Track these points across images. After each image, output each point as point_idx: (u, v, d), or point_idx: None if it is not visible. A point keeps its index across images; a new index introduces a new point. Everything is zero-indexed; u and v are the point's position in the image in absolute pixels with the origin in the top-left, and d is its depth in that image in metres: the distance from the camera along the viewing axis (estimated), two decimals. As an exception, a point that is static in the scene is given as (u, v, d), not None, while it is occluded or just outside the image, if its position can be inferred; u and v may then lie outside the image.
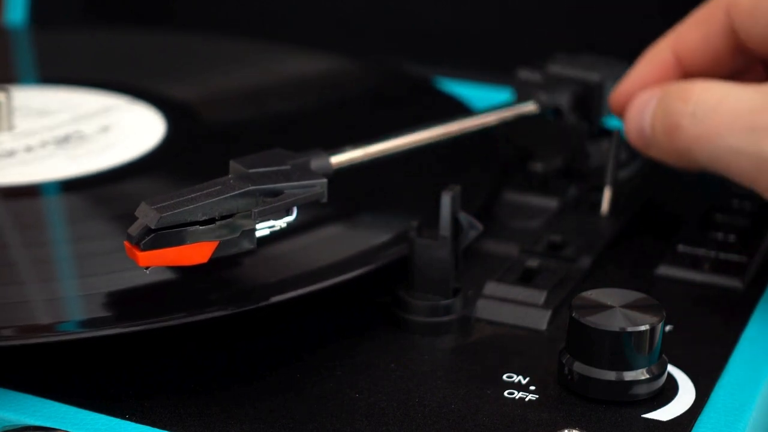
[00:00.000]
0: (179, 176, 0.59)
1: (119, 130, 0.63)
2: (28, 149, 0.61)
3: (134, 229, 0.45)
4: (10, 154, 0.60)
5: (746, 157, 0.51)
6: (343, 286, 0.50)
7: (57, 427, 0.45)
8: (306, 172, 0.49)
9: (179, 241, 0.45)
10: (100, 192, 0.57)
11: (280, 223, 0.48)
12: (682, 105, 0.53)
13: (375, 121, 0.66)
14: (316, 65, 0.73)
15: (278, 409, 0.46)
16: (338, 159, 0.52)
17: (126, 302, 0.47)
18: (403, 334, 0.50)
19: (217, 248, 0.46)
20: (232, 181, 0.47)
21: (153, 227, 0.44)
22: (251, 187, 0.46)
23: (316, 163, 0.50)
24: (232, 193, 0.46)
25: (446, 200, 0.50)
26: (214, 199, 0.45)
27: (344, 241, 0.53)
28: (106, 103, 0.67)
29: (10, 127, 0.63)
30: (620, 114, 0.59)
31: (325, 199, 0.49)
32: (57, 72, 0.71)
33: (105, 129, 0.63)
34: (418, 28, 0.79)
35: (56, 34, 0.79)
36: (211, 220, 0.46)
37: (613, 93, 0.59)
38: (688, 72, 0.58)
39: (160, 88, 0.68)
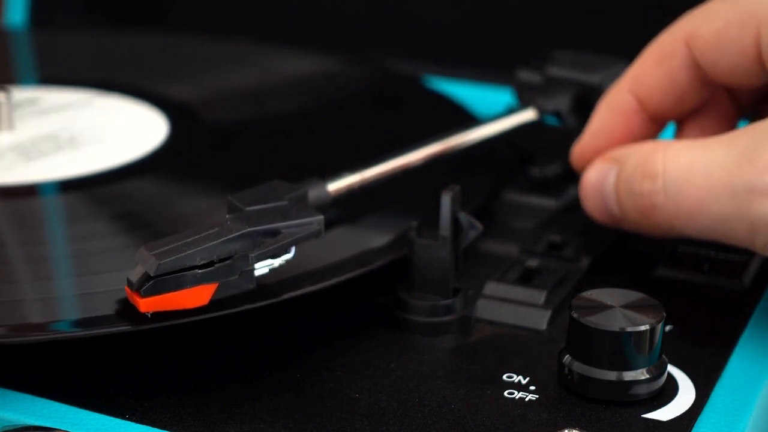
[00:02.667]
0: (180, 176, 0.59)
1: (119, 130, 0.63)
2: (28, 149, 0.61)
3: (134, 276, 0.45)
4: (9, 153, 0.60)
5: (737, 222, 0.47)
6: (343, 287, 0.50)
7: (57, 427, 0.45)
8: (303, 208, 0.49)
9: (179, 285, 0.45)
10: (100, 192, 0.57)
11: (279, 261, 0.48)
12: (649, 183, 0.50)
13: (374, 121, 0.66)
14: (315, 65, 0.73)
15: (278, 409, 0.46)
16: (336, 187, 0.52)
17: (125, 302, 0.47)
18: (403, 334, 0.50)
19: (217, 290, 0.46)
20: (229, 222, 0.47)
21: (152, 274, 0.45)
22: (248, 229, 0.47)
23: (313, 194, 0.51)
24: (229, 236, 0.46)
25: (446, 200, 0.50)
26: (211, 243, 0.46)
27: (344, 241, 0.53)
28: (106, 103, 0.67)
29: (11, 127, 0.63)
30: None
31: (322, 236, 0.49)
32: (57, 72, 0.71)
33: (105, 129, 0.63)
34: (418, 27, 0.79)
35: (56, 34, 0.79)
36: (210, 263, 0.46)
37: (575, 148, 0.56)
38: (651, 113, 0.55)
39: (160, 88, 0.68)
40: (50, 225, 0.55)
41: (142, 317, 0.46)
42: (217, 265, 0.46)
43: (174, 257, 0.45)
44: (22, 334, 0.46)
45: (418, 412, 0.45)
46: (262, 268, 0.48)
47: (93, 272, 0.50)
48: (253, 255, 0.47)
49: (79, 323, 0.47)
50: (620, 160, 0.52)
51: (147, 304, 0.45)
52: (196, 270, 0.46)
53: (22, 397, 0.46)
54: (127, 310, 0.47)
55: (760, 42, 0.51)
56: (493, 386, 0.47)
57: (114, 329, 0.46)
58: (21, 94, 0.67)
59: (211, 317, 0.47)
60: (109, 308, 0.47)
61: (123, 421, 0.45)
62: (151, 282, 0.45)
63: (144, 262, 0.45)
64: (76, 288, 0.49)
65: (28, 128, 0.63)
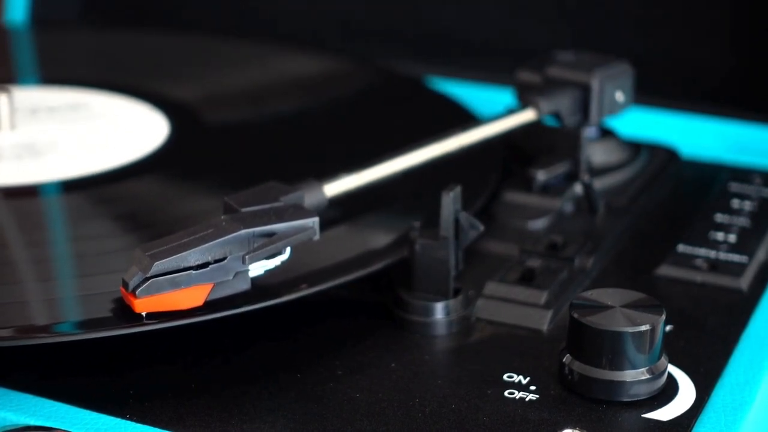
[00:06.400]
0: (181, 176, 0.59)
1: (120, 130, 0.63)
2: (28, 149, 0.61)
3: (129, 276, 0.46)
4: (10, 153, 0.60)
5: None
6: (344, 288, 0.50)
7: (57, 427, 0.45)
8: (298, 210, 0.49)
9: (174, 286, 0.46)
10: (102, 192, 0.57)
11: (274, 262, 0.48)
12: None
13: (374, 121, 0.66)
14: (316, 65, 0.73)
15: (278, 409, 0.46)
16: (332, 190, 0.52)
17: (125, 303, 0.47)
18: (404, 334, 0.50)
19: (212, 291, 0.47)
20: (224, 223, 0.47)
21: (147, 275, 0.45)
22: (243, 231, 0.47)
23: (310, 196, 0.51)
24: (224, 237, 0.46)
25: (447, 200, 0.50)
26: (206, 244, 0.46)
27: (344, 243, 0.53)
28: (106, 103, 0.67)
29: (11, 127, 0.63)
30: None
31: (317, 237, 0.49)
32: (57, 72, 0.71)
33: (106, 129, 0.63)
34: (418, 28, 0.79)
35: (56, 34, 0.79)
36: (205, 264, 0.46)
37: None
38: None
39: (160, 88, 0.68)
40: (50, 226, 0.55)
41: (141, 319, 0.46)
42: (212, 266, 0.46)
43: (169, 258, 0.45)
44: (26, 336, 0.46)
45: (419, 412, 0.45)
46: (257, 269, 0.48)
47: (94, 273, 0.50)
48: (247, 256, 0.47)
49: (82, 325, 0.47)
50: None
51: (142, 305, 0.45)
52: (191, 271, 0.46)
53: (22, 397, 0.46)
54: (125, 312, 0.47)
55: None
56: (494, 386, 0.47)
57: (114, 332, 0.46)
58: (21, 93, 0.67)
59: (211, 319, 0.47)
60: (111, 310, 0.47)
61: (123, 421, 0.45)
62: (147, 283, 0.45)
63: (139, 263, 0.46)
64: (77, 289, 0.49)
65: (28, 128, 0.63)
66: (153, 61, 0.73)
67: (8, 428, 0.45)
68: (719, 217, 0.59)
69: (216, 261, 0.46)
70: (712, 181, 0.63)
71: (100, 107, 0.66)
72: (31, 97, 0.67)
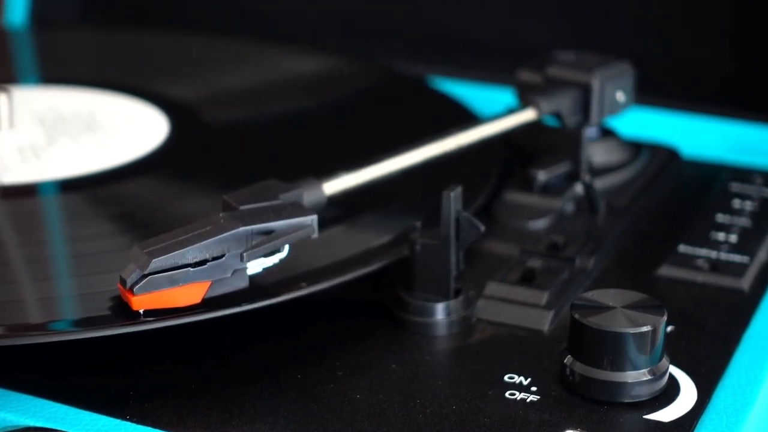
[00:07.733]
0: (181, 176, 0.59)
1: (120, 129, 0.63)
2: (28, 149, 0.61)
3: (127, 273, 0.46)
4: (11, 153, 0.60)
5: None
6: (344, 287, 0.50)
7: (57, 428, 0.45)
8: (297, 208, 0.49)
9: (171, 283, 0.46)
10: (101, 192, 0.57)
11: (272, 260, 0.48)
12: None
13: (375, 121, 0.66)
14: (316, 65, 0.73)
15: (278, 409, 0.46)
16: (332, 188, 0.52)
17: (121, 301, 0.47)
18: (404, 334, 0.50)
19: (210, 289, 0.46)
20: (222, 220, 0.47)
21: (145, 272, 0.45)
22: (241, 228, 0.47)
23: (309, 194, 0.51)
24: (221, 235, 0.46)
25: (448, 200, 0.49)
26: (204, 242, 0.46)
27: (344, 242, 0.53)
28: (106, 102, 0.66)
29: (11, 127, 0.63)
30: None
31: (315, 235, 0.49)
32: (57, 72, 0.71)
33: (105, 129, 0.63)
34: (418, 28, 0.79)
35: (56, 34, 0.79)
36: (203, 261, 0.46)
37: None
38: None
39: (160, 88, 0.68)
40: (50, 225, 0.55)
41: (139, 318, 0.46)
42: (209, 264, 0.46)
43: (166, 255, 0.45)
44: (20, 334, 0.46)
45: (419, 413, 0.45)
46: (255, 266, 0.48)
47: (92, 272, 0.50)
48: (245, 253, 0.47)
49: (78, 323, 0.47)
50: None
51: (139, 302, 0.45)
52: (189, 268, 0.46)
53: (22, 397, 0.46)
54: (126, 309, 0.47)
55: None
56: (495, 387, 0.47)
57: (112, 331, 0.46)
58: (21, 93, 0.67)
59: (211, 318, 0.46)
60: (108, 308, 0.47)
61: (123, 422, 0.45)
62: (144, 280, 0.45)
63: (137, 260, 0.45)
64: (75, 288, 0.49)
65: (27, 128, 0.63)
66: (153, 61, 0.73)
67: (8, 429, 0.45)
68: (720, 218, 0.59)
69: (214, 258, 0.46)
70: (712, 181, 0.63)
71: (99, 107, 0.66)
72: (30, 97, 0.67)
